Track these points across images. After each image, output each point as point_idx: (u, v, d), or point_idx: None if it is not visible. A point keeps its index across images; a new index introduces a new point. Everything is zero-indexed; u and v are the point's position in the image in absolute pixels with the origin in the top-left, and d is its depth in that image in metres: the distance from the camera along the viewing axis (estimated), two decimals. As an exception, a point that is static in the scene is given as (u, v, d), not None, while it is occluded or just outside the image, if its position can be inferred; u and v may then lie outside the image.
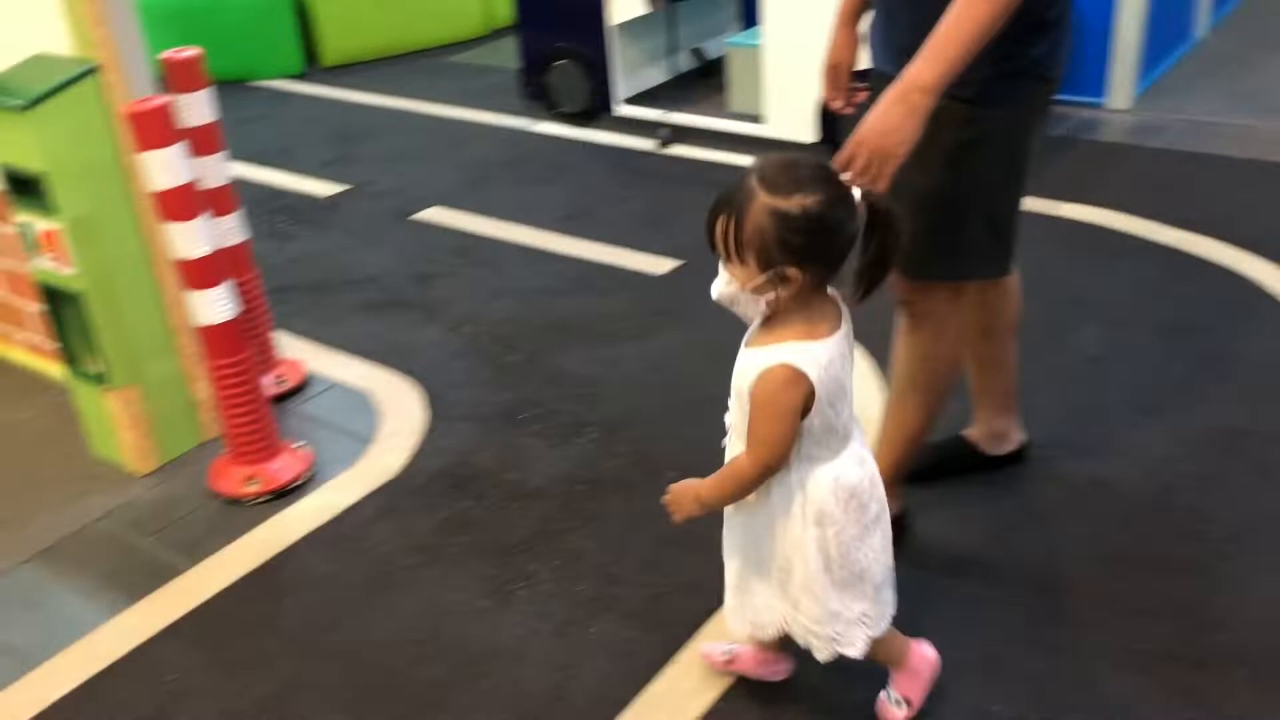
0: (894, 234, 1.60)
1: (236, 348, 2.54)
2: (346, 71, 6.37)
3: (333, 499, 2.63)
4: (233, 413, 2.59)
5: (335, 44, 6.45)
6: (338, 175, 4.80)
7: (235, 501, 2.63)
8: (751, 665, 2.01)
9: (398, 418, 2.96)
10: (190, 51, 2.65)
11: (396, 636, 2.21)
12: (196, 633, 2.25)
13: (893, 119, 1.71)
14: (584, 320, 3.42)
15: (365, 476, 2.71)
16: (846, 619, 1.74)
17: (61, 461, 2.85)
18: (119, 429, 2.72)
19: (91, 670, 2.17)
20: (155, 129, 2.30)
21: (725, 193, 1.57)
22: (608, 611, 2.23)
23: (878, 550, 1.74)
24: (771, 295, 1.57)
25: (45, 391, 3.15)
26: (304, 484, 2.68)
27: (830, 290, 1.65)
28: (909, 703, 1.90)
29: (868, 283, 1.62)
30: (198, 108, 2.64)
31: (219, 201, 2.74)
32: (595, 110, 5.17)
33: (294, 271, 3.87)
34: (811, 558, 1.69)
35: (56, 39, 2.48)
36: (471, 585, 2.33)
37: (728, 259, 1.58)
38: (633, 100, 5.16)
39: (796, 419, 1.60)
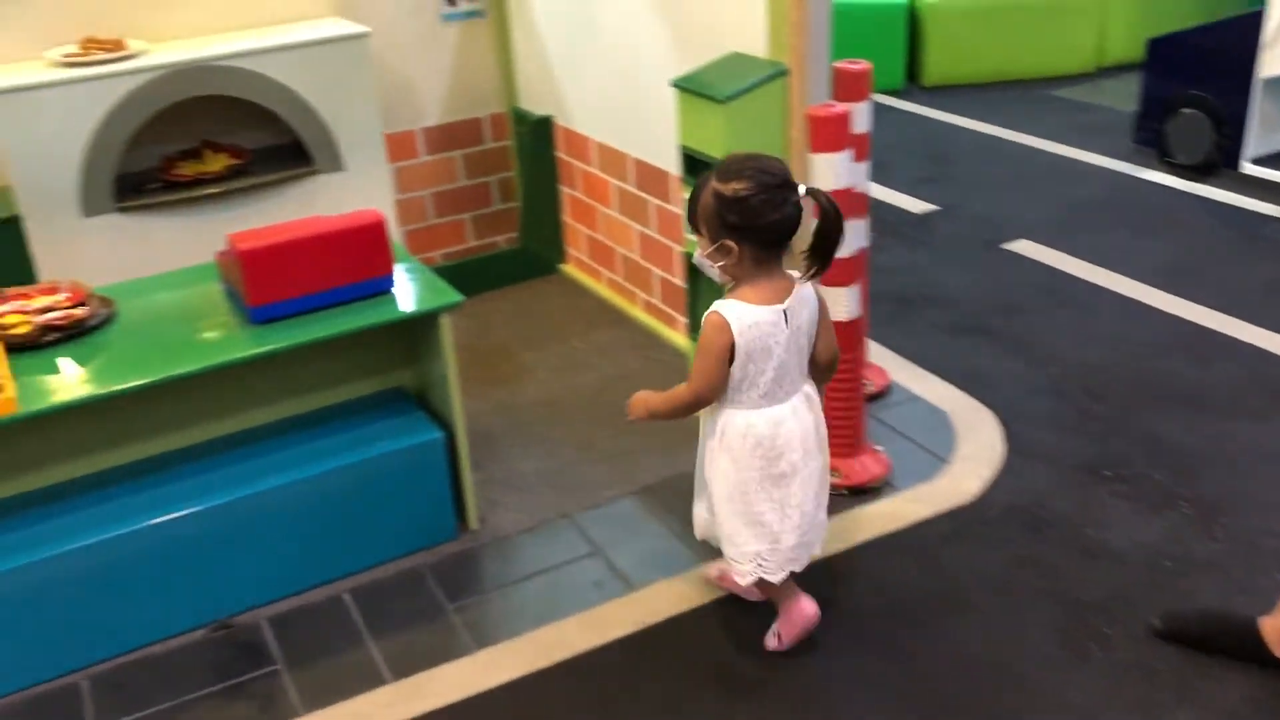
0: (833, 228, 1.96)
1: (853, 345, 2.68)
2: (946, 93, 6.43)
3: (905, 509, 2.70)
4: (833, 406, 2.73)
5: (939, 65, 6.53)
6: (929, 194, 4.87)
7: (815, 488, 2.78)
8: (731, 584, 2.34)
9: (974, 443, 2.96)
10: (860, 65, 2.81)
11: (958, 659, 2.22)
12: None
13: None
14: (1184, 385, 3.19)
15: (938, 495, 2.75)
16: (743, 550, 2.14)
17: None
18: (724, 397, 2.97)
19: (681, 608, 2.41)
20: (832, 133, 2.48)
21: (693, 190, 2.02)
22: (1193, 705, 2.07)
23: (779, 503, 2.10)
24: (722, 263, 1.99)
25: (656, 348, 3.53)
26: (879, 488, 2.77)
27: (787, 272, 2.03)
28: (779, 637, 2.25)
29: (810, 266, 2.00)
30: (860, 117, 2.80)
31: (857, 207, 2.89)
32: (1215, 165, 4.78)
33: (880, 280, 3.99)
34: (718, 484, 2.12)
35: (753, 41, 2.75)
36: (1041, 631, 2.28)
37: (694, 230, 2.04)
38: (1263, 160, 4.70)
39: (723, 361, 2.00)
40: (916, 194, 4.88)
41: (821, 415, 2.17)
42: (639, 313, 3.73)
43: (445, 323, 2.50)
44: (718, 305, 2.01)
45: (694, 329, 3.00)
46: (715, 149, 2.67)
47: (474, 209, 4.16)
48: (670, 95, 2.85)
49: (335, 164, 3.45)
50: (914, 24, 6.51)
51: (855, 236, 2.62)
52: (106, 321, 2.45)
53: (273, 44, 3.30)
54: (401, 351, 2.75)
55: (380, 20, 3.66)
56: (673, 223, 3.34)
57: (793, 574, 2.21)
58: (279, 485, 2.43)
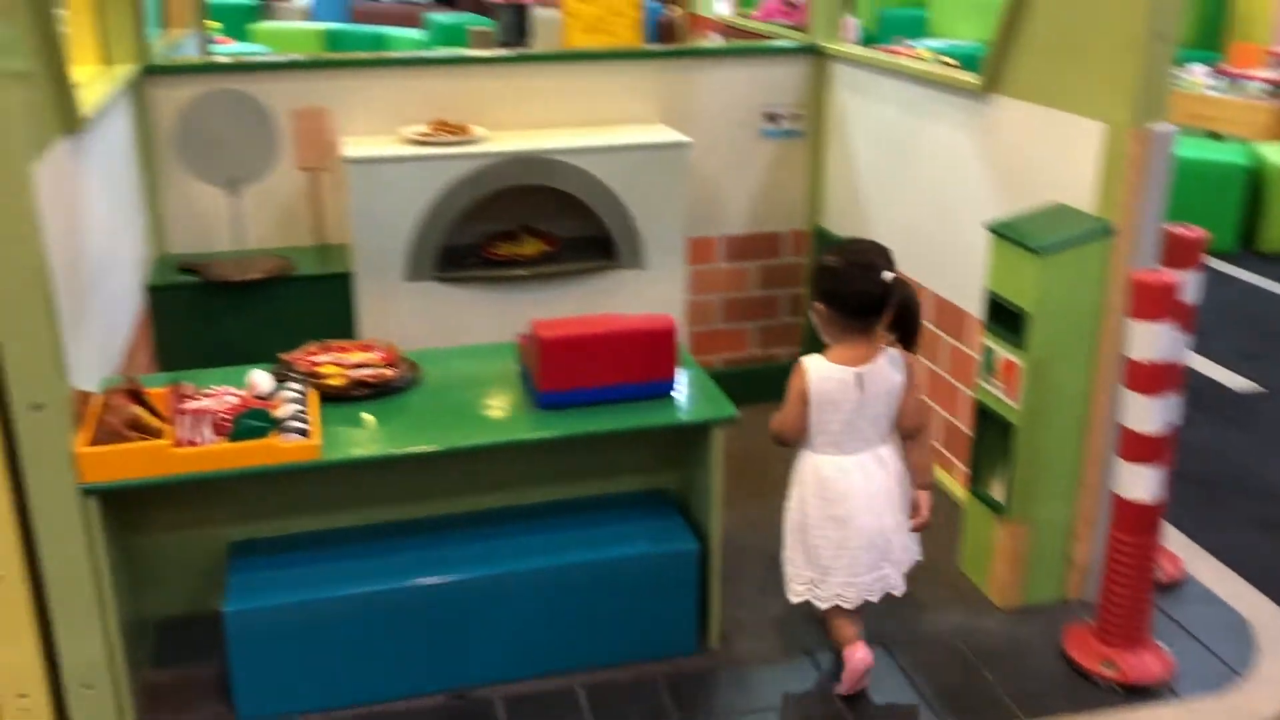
0: (909, 311, 2.31)
1: (1147, 529, 2.47)
2: (1284, 263, 5.94)
3: (1187, 720, 2.43)
4: (1117, 591, 2.52)
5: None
6: (1254, 372, 4.47)
7: (1085, 676, 2.55)
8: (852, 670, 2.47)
9: (1278, 662, 2.63)
10: (1196, 232, 2.63)
11: None
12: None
13: None
14: None
15: (1228, 713, 2.45)
16: (799, 572, 2.46)
17: (927, 564, 3.03)
18: (995, 558, 2.81)
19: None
20: (1157, 301, 2.32)
21: None
22: None
23: (835, 543, 2.38)
24: (818, 322, 2.35)
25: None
26: (1158, 691, 2.51)
27: (876, 344, 2.34)
28: (842, 683, 2.48)
29: (898, 339, 2.35)
30: (1189, 287, 2.61)
31: (1174, 381, 2.68)
32: None
33: (1189, 461, 3.66)
34: (791, 512, 2.46)
35: (1080, 194, 2.63)
36: None
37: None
38: None
39: (801, 404, 2.35)
40: (1239, 369, 4.49)
41: (898, 479, 2.43)
42: (915, 451, 3.60)
43: (717, 435, 2.50)
44: (806, 358, 2.36)
45: (976, 481, 2.86)
46: (1026, 300, 2.56)
47: (761, 319, 4.18)
48: (982, 237, 2.77)
49: (637, 262, 3.57)
50: (1255, 185, 6.07)
51: (1164, 412, 2.42)
52: (410, 385, 2.61)
53: (600, 144, 3.48)
54: (671, 453, 2.78)
55: (703, 130, 3.79)
56: (966, 365, 3.22)
57: (857, 626, 2.47)
58: (538, 568, 2.48)
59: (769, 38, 4.49)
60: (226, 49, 7.55)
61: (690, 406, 2.53)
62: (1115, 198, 2.52)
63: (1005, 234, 2.63)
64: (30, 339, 2.02)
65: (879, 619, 2.65)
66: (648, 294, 3.58)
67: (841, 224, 3.94)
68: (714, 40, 5.15)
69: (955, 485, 3.32)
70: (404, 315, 3.48)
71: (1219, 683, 2.55)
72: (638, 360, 2.49)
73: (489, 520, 2.64)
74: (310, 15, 11.89)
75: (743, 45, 4.05)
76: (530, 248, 3.59)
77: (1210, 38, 10.14)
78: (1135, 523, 2.46)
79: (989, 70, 2.96)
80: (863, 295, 2.28)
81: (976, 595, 2.87)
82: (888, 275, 2.27)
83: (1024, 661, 2.62)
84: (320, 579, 2.39)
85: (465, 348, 2.98)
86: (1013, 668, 2.59)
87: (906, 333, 2.34)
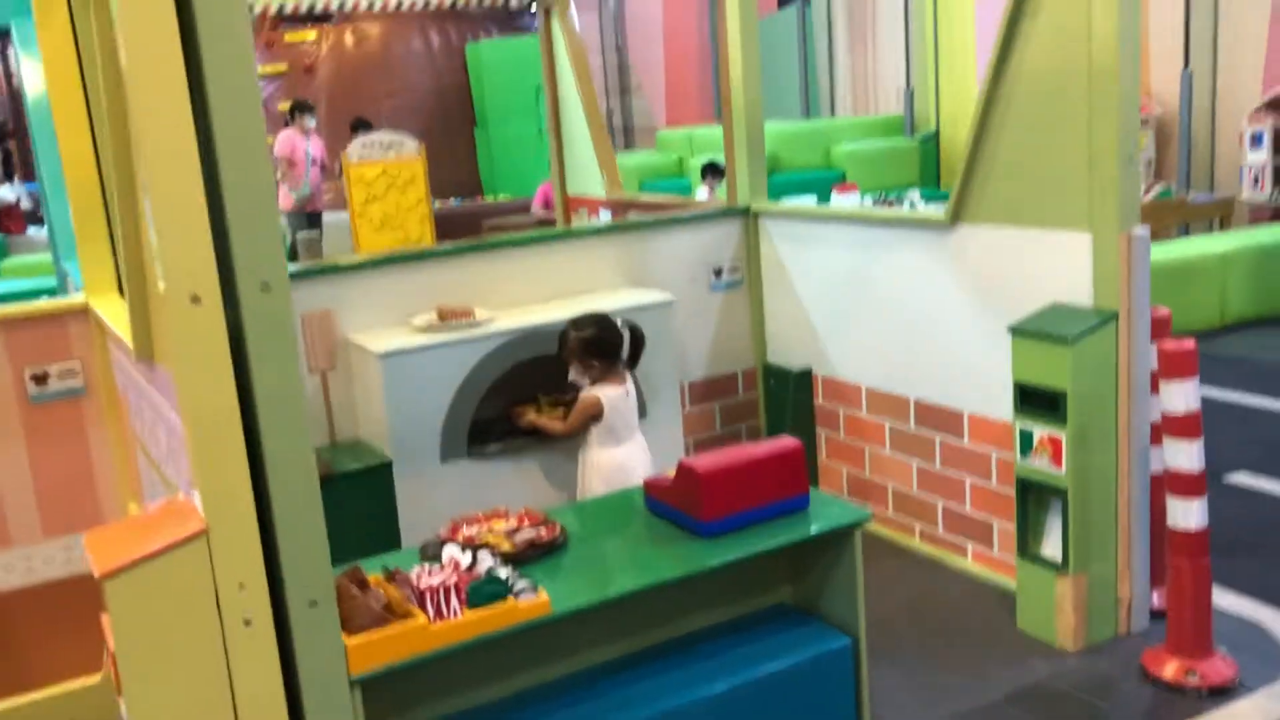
0: (638, 345, 3.60)
1: (1200, 553, 2.97)
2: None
3: (1270, 705, 2.90)
4: (1186, 609, 2.99)
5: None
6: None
7: (1175, 689, 2.99)
8: None
9: (1297, 649, 3.18)
10: (1163, 311, 3.23)
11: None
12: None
13: None
14: None
15: (1293, 693, 2.96)
16: None
17: (983, 634, 3.41)
18: (1061, 609, 3.23)
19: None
20: (1183, 364, 2.88)
21: (558, 338, 3.57)
22: None
23: None
24: (585, 375, 3.53)
25: (940, 573, 3.80)
26: (1234, 689, 2.98)
27: (620, 370, 3.57)
28: None
29: (630, 363, 3.61)
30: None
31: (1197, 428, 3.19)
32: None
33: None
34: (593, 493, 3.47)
35: (1074, 293, 3.20)
36: None
37: (567, 363, 3.54)
38: None
39: (585, 419, 3.52)
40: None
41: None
42: (915, 543, 4.02)
43: (858, 535, 2.80)
44: (596, 390, 3.52)
45: (1025, 547, 3.29)
46: (1063, 381, 3.07)
47: (727, 455, 4.52)
48: (965, 345, 3.29)
49: (642, 411, 3.85)
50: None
51: (1202, 452, 2.96)
52: (567, 542, 2.76)
53: (601, 310, 3.78)
54: (784, 568, 3.03)
55: (662, 289, 4.18)
56: (962, 457, 3.70)
57: None
58: (718, 693, 2.65)
59: (664, 207, 4.98)
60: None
61: (830, 514, 2.83)
62: (1112, 290, 3.10)
63: (1031, 331, 3.15)
64: (306, 534, 2.07)
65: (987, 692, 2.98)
66: (650, 438, 3.86)
67: (789, 355, 4.41)
68: (599, 218, 5.61)
69: (970, 564, 3.75)
70: (441, 496, 3.58)
71: (1274, 676, 3.05)
72: (777, 480, 2.77)
73: (646, 658, 2.78)
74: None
75: (687, 214, 4.52)
76: (548, 415, 3.79)
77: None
78: (1191, 548, 2.97)
79: (954, 204, 3.54)
80: (616, 347, 3.53)
81: (1045, 646, 3.27)
82: (622, 325, 3.56)
83: (1120, 688, 3.03)
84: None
85: (566, 505, 3.14)
86: (1116, 696, 3.00)
87: (635, 357, 3.60)
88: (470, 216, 11.56)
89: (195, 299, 1.92)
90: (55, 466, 3.40)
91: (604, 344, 3.52)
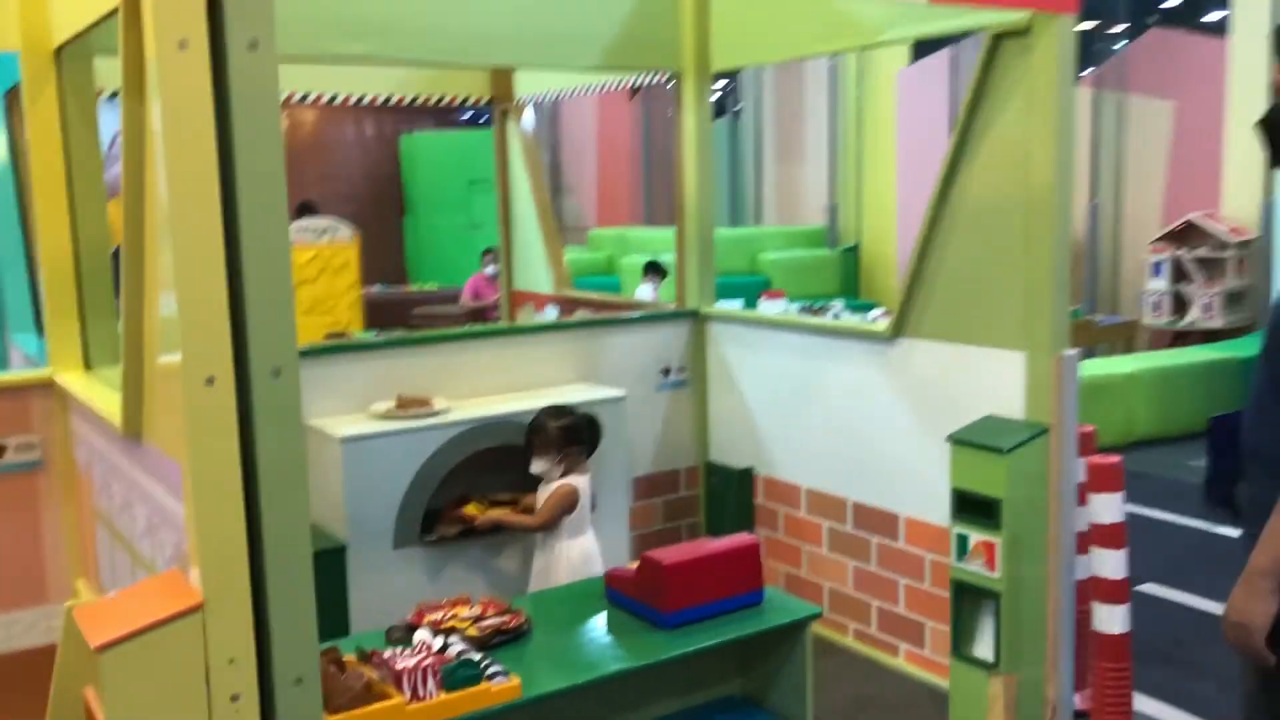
0: (596, 437, 3.80)
1: (1123, 655, 3.17)
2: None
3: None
4: (1108, 711, 3.17)
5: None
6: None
7: (1100, 787, 3.15)
8: None
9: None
10: (1088, 428, 3.48)
11: None
12: None
13: (1238, 601, 2.08)
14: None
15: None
16: None
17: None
18: (991, 710, 3.38)
19: None
20: (1110, 478, 3.11)
21: (530, 426, 3.70)
22: None
23: None
24: (559, 465, 3.64)
25: (876, 672, 3.94)
26: (1153, 786, 3.16)
27: (585, 461, 3.71)
28: None
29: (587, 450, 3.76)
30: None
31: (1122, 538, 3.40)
32: None
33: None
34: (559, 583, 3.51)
35: (1008, 407, 3.43)
36: None
37: (537, 453, 3.65)
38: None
39: (562, 510, 3.61)
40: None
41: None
42: (850, 641, 4.15)
43: (809, 630, 2.94)
44: (568, 480, 3.65)
45: (959, 647, 3.45)
46: (998, 489, 3.27)
47: (667, 551, 4.64)
48: (904, 452, 3.50)
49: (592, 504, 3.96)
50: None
51: (1126, 561, 3.17)
52: (532, 628, 2.84)
53: (561, 403, 3.91)
54: (736, 660, 3.15)
55: (612, 386, 4.32)
56: (898, 558, 3.87)
57: None
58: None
59: (613, 306, 5.15)
60: None
61: (783, 609, 2.96)
62: (1044, 405, 3.33)
63: (969, 441, 3.36)
64: (298, 612, 2.13)
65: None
66: (598, 531, 3.95)
67: (732, 455, 4.57)
68: (545, 313, 5.75)
69: (904, 663, 3.90)
70: (394, 583, 3.62)
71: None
72: (735, 575, 2.90)
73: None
74: None
75: (638, 314, 4.69)
76: (500, 512, 3.84)
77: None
78: (1114, 652, 3.16)
79: (898, 319, 3.77)
80: (585, 436, 3.71)
81: (980, 746, 3.42)
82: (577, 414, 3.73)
83: (1049, 787, 3.18)
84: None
85: (528, 595, 3.22)
86: (1045, 793, 3.14)
87: (593, 448, 3.78)
88: (398, 304, 11.66)
89: (210, 381, 2.00)
90: (3, 540, 3.37)
91: (582, 432, 3.68)
